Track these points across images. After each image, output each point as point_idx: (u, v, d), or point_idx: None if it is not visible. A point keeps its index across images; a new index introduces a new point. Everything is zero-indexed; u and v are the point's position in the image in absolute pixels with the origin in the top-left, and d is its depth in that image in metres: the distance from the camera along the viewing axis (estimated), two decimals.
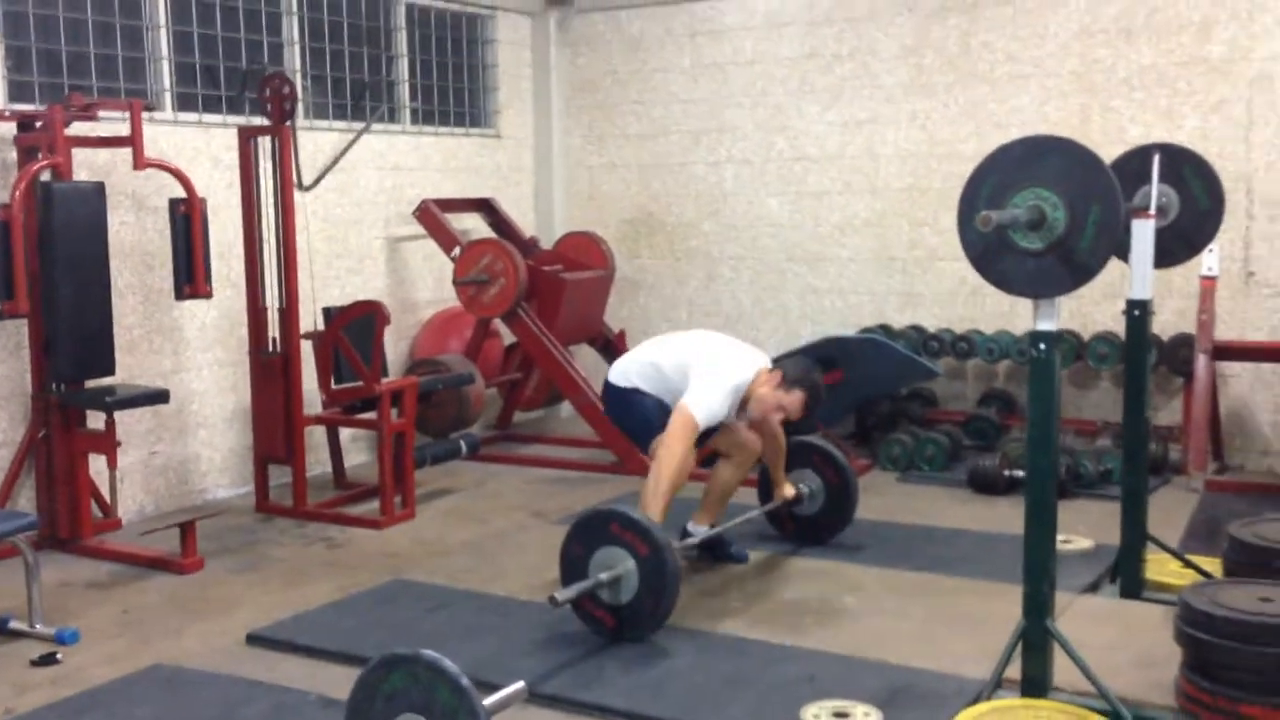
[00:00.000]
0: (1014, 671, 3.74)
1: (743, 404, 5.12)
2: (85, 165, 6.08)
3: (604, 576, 4.38)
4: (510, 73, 9.07)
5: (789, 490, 5.54)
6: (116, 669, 4.35)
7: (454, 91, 8.72)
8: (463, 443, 6.92)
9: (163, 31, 6.63)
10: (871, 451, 7.39)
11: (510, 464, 7.63)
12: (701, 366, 4.99)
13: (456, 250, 7.62)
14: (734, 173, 8.65)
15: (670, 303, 8.99)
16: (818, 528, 5.69)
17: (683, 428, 4.81)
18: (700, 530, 5.35)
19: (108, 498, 6.04)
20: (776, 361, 5.32)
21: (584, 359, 8.26)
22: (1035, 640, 3.70)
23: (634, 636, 4.42)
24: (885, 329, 7.90)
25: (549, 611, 4.58)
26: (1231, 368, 7.11)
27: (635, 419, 5.19)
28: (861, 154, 8.17)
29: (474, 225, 8.46)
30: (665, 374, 5.10)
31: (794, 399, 4.98)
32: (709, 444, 5.26)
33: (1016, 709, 3.61)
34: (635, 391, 5.18)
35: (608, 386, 5.33)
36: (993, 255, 3.57)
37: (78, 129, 5.91)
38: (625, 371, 5.26)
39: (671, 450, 4.77)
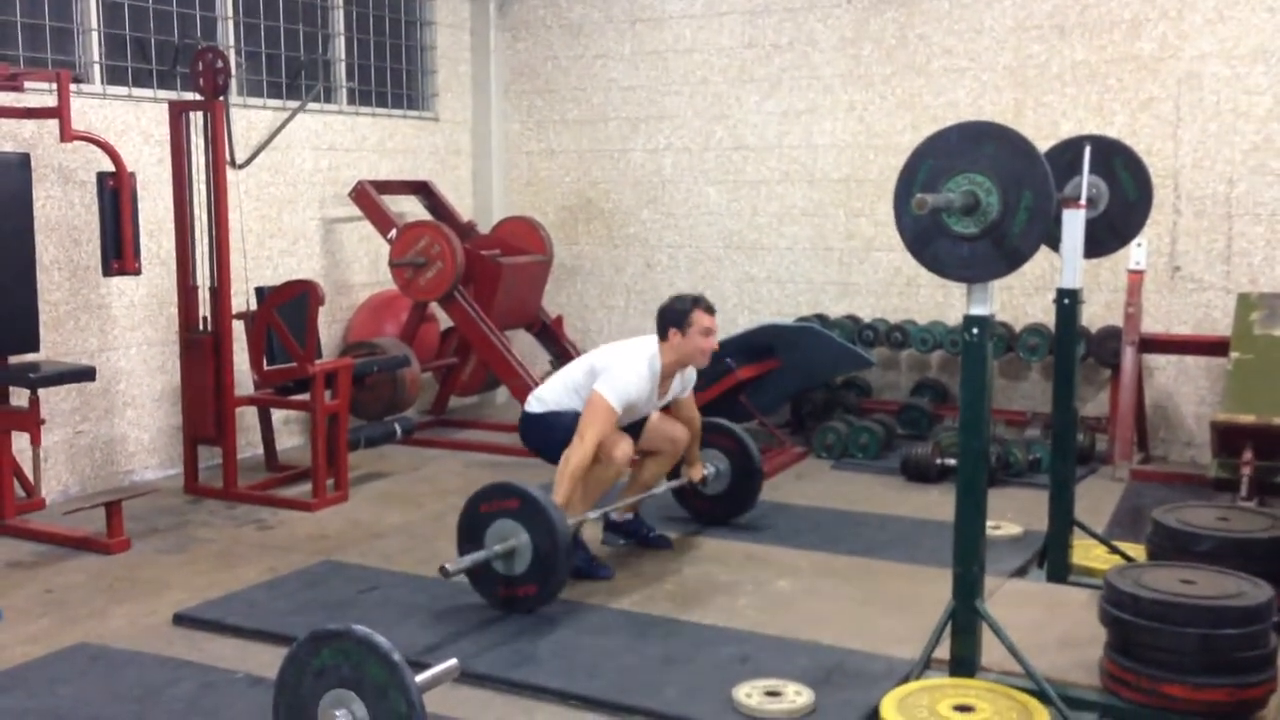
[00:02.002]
0: (943, 652, 3.79)
1: (664, 384, 5.11)
2: (10, 137, 5.95)
3: (498, 548, 4.44)
4: (449, 55, 9.00)
5: (697, 472, 5.55)
6: (39, 648, 4.27)
7: (391, 73, 8.64)
8: (397, 426, 6.86)
9: (92, 2, 6.48)
10: (806, 439, 7.44)
11: (445, 448, 7.58)
12: (607, 360, 5.01)
13: (393, 232, 7.54)
14: (673, 160, 8.66)
15: (608, 289, 8.98)
16: (723, 507, 5.74)
17: (593, 413, 4.80)
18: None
19: (31, 477, 5.90)
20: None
21: (521, 344, 8.22)
22: (964, 621, 3.74)
23: (523, 608, 4.48)
24: (821, 318, 7.96)
25: None
26: (1157, 360, 7.27)
27: (559, 436, 5.07)
28: (799, 144, 8.22)
29: (411, 208, 8.39)
30: (579, 384, 5.07)
31: (700, 323, 4.95)
32: (639, 444, 5.20)
33: (945, 688, 3.66)
34: (553, 413, 5.12)
35: (525, 418, 5.25)
36: (927, 239, 3.60)
37: (2, 99, 5.77)
38: (540, 398, 5.21)
39: (582, 437, 4.76)
